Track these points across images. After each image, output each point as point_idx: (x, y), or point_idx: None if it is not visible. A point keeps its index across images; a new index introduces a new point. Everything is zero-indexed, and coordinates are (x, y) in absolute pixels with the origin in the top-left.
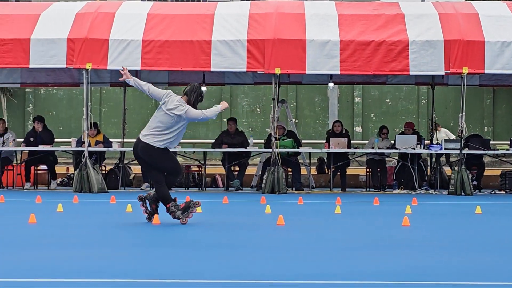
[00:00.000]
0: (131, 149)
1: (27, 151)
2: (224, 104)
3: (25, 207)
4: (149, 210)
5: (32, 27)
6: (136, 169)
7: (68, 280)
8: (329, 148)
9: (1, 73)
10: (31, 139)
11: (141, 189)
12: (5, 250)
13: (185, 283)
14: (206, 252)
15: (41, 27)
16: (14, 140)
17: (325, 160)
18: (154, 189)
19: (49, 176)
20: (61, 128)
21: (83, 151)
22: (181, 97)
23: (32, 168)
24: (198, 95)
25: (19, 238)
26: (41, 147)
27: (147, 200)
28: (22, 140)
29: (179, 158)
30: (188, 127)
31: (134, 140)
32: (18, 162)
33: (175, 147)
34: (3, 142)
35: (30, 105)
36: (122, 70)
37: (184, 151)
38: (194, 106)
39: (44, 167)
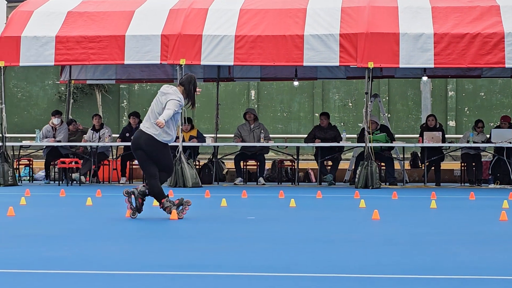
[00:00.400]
0: (225, 144)
1: (123, 146)
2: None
3: (121, 201)
4: (133, 206)
5: (127, 23)
6: (229, 164)
7: (161, 272)
8: (423, 142)
9: (97, 70)
10: (127, 134)
11: (235, 183)
12: (103, 243)
13: (290, 276)
14: (304, 246)
15: (135, 23)
16: (110, 135)
17: (419, 155)
18: (145, 184)
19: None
20: None
21: (177, 146)
22: (177, 87)
23: (128, 163)
24: (194, 85)
25: (115, 231)
26: None
27: (133, 195)
28: (118, 135)
29: (271, 153)
30: (279, 122)
31: (228, 135)
32: (114, 157)
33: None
34: (99, 138)
35: (125, 101)
36: (160, 126)
37: (277, 146)
38: (191, 96)
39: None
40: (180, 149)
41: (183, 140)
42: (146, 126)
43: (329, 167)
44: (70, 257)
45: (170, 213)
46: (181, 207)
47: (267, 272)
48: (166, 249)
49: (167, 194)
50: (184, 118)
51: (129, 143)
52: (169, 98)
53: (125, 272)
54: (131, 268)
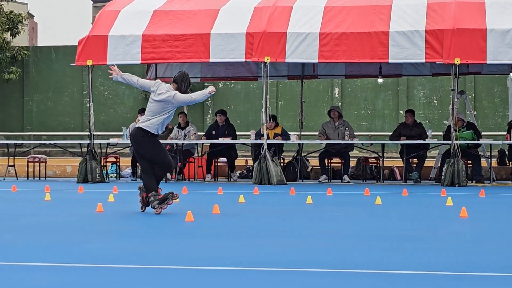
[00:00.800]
0: (309, 141)
1: (208, 144)
2: (211, 88)
3: (207, 198)
4: (141, 199)
5: (212, 22)
6: (313, 162)
7: (253, 268)
8: (510, 139)
9: (182, 68)
10: (213, 132)
11: (319, 181)
12: (190, 239)
13: (378, 274)
14: (392, 244)
15: (220, 21)
16: (195, 133)
17: (506, 152)
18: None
19: (228, 168)
20: (238, 121)
21: (262, 143)
22: (170, 85)
23: (213, 160)
24: (188, 83)
25: (204, 228)
26: (221, 140)
27: (140, 190)
28: (203, 133)
29: (355, 151)
30: (363, 119)
31: (312, 132)
32: (199, 154)
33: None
34: (185, 135)
35: (209, 99)
36: (111, 69)
37: (362, 144)
38: (183, 93)
39: (224, 159)
40: (265, 146)
41: (268, 138)
42: (140, 121)
43: (414, 165)
44: (158, 253)
45: (152, 207)
46: (163, 202)
47: (356, 269)
48: (260, 245)
49: (159, 189)
50: (269, 115)
51: (214, 141)
52: (172, 94)
53: (220, 268)
54: (225, 264)
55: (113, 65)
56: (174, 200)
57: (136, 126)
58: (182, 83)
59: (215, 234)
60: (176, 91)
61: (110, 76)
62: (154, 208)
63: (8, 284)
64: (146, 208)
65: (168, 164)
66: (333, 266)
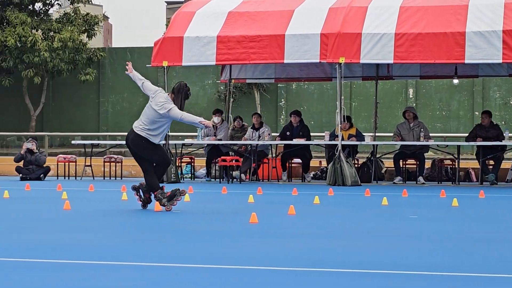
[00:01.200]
0: (383, 142)
1: (282, 145)
2: (206, 122)
3: (282, 199)
4: (143, 198)
5: (287, 23)
6: (387, 163)
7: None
8: None
9: (256, 69)
10: (287, 133)
11: (394, 182)
12: (267, 240)
13: (457, 276)
14: (471, 245)
15: (295, 22)
16: (269, 134)
17: None
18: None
19: (302, 169)
20: (312, 122)
21: (337, 144)
22: (169, 95)
23: (287, 161)
24: (185, 95)
25: (280, 228)
26: (295, 141)
27: (140, 190)
28: (277, 134)
29: (430, 152)
30: (438, 120)
31: (386, 134)
32: (274, 155)
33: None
34: (259, 136)
35: (282, 100)
36: (127, 65)
37: (437, 145)
38: (181, 104)
39: (298, 160)
40: (339, 147)
41: (342, 139)
42: (135, 125)
43: (491, 167)
44: (234, 253)
45: (162, 205)
46: (173, 199)
47: (435, 272)
48: (338, 246)
49: (162, 187)
50: (344, 116)
51: (289, 142)
52: (168, 107)
53: (298, 269)
54: (303, 265)
55: (128, 62)
56: (181, 196)
57: (135, 131)
58: (179, 95)
59: (291, 235)
60: (173, 106)
61: (126, 72)
62: (165, 206)
63: (84, 284)
64: (148, 205)
65: (167, 162)
66: (411, 268)
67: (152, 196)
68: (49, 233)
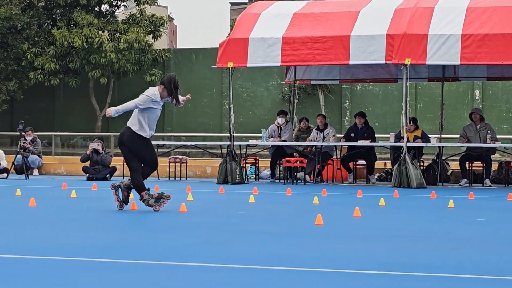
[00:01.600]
0: (450, 144)
1: (347, 146)
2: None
3: (347, 201)
4: (121, 198)
5: (352, 24)
6: (453, 165)
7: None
8: None
9: (321, 70)
10: (352, 134)
11: (460, 185)
12: (333, 242)
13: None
14: None
15: (360, 23)
16: (334, 135)
17: None
18: (130, 178)
19: (367, 171)
20: (376, 123)
21: (402, 146)
22: (158, 86)
23: (351, 163)
24: (174, 85)
25: (345, 230)
26: (360, 142)
27: (119, 189)
28: (342, 135)
29: (497, 154)
30: (505, 122)
31: (451, 135)
32: (338, 157)
33: None
34: (324, 137)
35: (347, 101)
36: (106, 114)
37: (504, 147)
38: (172, 94)
39: (363, 162)
40: (405, 149)
41: (408, 140)
42: (128, 123)
43: None
44: (300, 255)
45: (149, 205)
46: (160, 201)
47: (501, 276)
48: (405, 248)
49: (148, 188)
50: (409, 118)
51: (353, 143)
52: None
53: (364, 272)
54: (370, 268)
55: (107, 110)
56: (167, 200)
57: (129, 127)
58: (170, 85)
59: (357, 237)
60: (143, 94)
61: (108, 116)
62: (152, 206)
63: (153, 284)
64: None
65: (155, 162)
66: (476, 272)
67: (137, 198)
68: (116, 232)
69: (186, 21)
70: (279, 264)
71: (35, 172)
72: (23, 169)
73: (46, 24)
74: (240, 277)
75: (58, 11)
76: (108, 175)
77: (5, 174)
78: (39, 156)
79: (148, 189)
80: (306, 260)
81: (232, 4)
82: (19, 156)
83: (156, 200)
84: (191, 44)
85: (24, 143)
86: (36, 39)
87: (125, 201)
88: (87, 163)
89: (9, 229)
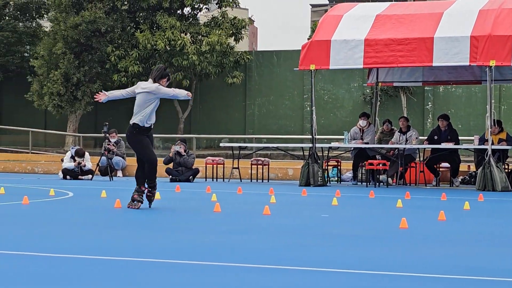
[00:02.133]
0: None
1: (430, 149)
2: (189, 93)
3: (431, 204)
4: (141, 200)
5: (435, 25)
6: None
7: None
8: None
9: (404, 72)
10: (435, 137)
11: None
12: (418, 246)
13: None
14: None
15: (444, 25)
16: (417, 138)
17: None
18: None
19: (450, 174)
20: (459, 125)
21: (486, 149)
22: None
23: (435, 166)
24: (162, 73)
25: (431, 234)
26: (444, 145)
27: (135, 201)
28: (425, 137)
29: None
30: None
31: None
32: (421, 159)
33: None
34: (406, 140)
35: (429, 103)
36: (96, 98)
37: None
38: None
39: (446, 164)
40: (489, 152)
41: (492, 143)
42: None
43: None
44: (385, 258)
45: (131, 199)
46: (133, 202)
47: None
48: (491, 253)
49: (141, 186)
50: (494, 120)
51: (437, 146)
52: (155, 85)
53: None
54: (456, 272)
55: (97, 94)
56: (136, 205)
57: (130, 124)
58: (155, 73)
59: (442, 241)
60: (158, 84)
61: (97, 100)
62: (132, 201)
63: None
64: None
65: (152, 160)
66: None
67: (147, 192)
68: (202, 235)
69: (266, 23)
70: (365, 267)
71: (119, 173)
72: (108, 170)
73: (129, 27)
74: (325, 281)
75: (141, 14)
76: (191, 177)
77: (90, 176)
78: (123, 157)
79: (141, 187)
80: (391, 264)
81: (313, 5)
82: (103, 158)
83: (133, 200)
84: (271, 46)
85: (108, 145)
86: (120, 42)
87: (149, 198)
88: (170, 165)
89: (94, 231)
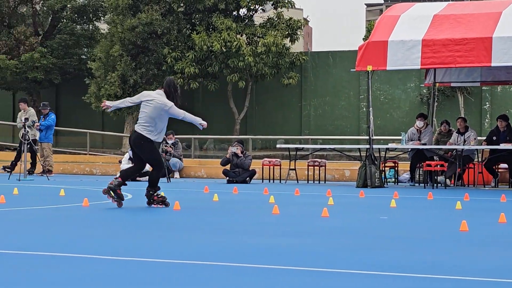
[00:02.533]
0: None
1: (488, 150)
2: (204, 123)
3: (491, 206)
4: (116, 197)
5: (494, 25)
6: None
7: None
8: None
9: (461, 72)
10: (494, 137)
11: None
12: (478, 249)
13: None
14: None
15: (503, 25)
16: (475, 138)
17: None
18: (118, 178)
19: (509, 175)
20: None
21: None
22: (160, 89)
23: (494, 167)
24: (174, 89)
25: (492, 237)
26: (502, 146)
27: (110, 191)
28: (484, 138)
29: None
30: None
31: None
32: (479, 160)
33: None
34: (464, 141)
35: (487, 103)
36: (103, 107)
37: None
38: (172, 97)
39: (505, 165)
40: None
41: None
42: (137, 127)
43: None
44: (446, 262)
45: (109, 187)
46: (110, 192)
47: None
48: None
49: (125, 183)
50: None
51: (495, 147)
52: (169, 105)
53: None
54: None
55: (103, 103)
56: (114, 201)
57: (137, 132)
58: (170, 88)
59: (504, 244)
60: (172, 104)
61: (107, 110)
62: (109, 189)
63: None
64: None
65: (162, 164)
66: None
67: (149, 194)
68: (261, 237)
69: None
70: (427, 271)
71: (176, 175)
72: (165, 172)
73: (185, 29)
74: (383, 284)
75: (197, 16)
76: (248, 178)
77: (147, 177)
78: (180, 159)
79: (125, 183)
80: (451, 268)
81: (368, 5)
82: None
83: (113, 190)
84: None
85: (165, 146)
86: (176, 43)
87: (121, 198)
88: (227, 166)
89: (152, 233)
